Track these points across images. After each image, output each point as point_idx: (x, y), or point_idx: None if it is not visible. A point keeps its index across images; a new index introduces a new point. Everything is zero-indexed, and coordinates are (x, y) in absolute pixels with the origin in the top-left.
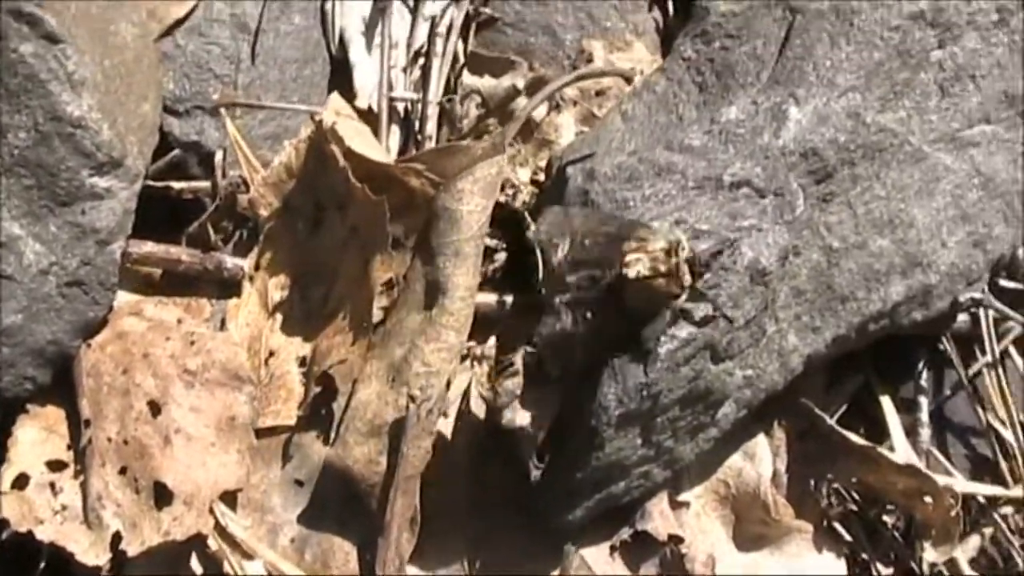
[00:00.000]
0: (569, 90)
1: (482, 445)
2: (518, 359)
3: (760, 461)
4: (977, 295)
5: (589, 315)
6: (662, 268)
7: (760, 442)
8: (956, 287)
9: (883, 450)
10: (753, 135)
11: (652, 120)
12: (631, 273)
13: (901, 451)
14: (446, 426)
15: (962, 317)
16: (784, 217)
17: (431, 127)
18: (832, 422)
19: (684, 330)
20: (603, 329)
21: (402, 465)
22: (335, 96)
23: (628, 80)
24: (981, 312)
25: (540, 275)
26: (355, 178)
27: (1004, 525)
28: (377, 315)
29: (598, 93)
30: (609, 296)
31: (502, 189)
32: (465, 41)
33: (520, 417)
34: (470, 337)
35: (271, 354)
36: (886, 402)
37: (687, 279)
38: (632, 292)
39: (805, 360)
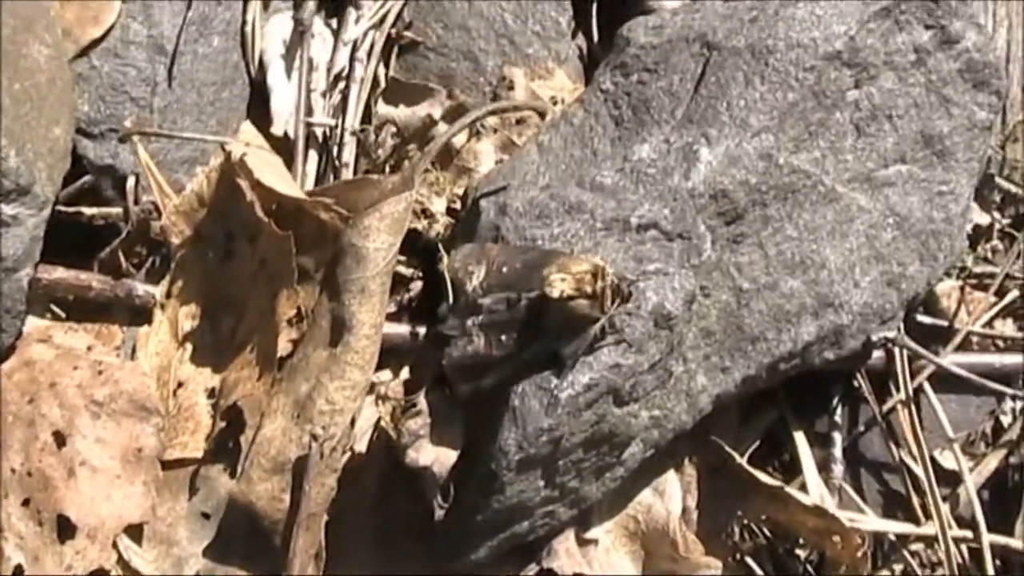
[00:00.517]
0: (489, 118)
1: (390, 480)
2: (422, 399)
3: (670, 498)
4: (890, 334)
5: (503, 337)
6: (587, 289)
7: (670, 478)
8: (869, 326)
9: (791, 490)
10: (663, 176)
11: (567, 153)
12: (554, 292)
13: (813, 488)
14: (356, 459)
15: (877, 353)
16: (691, 261)
17: (348, 154)
18: (742, 461)
19: (586, 375)
20: (517, 350)
21: (305, 503)
22: (247, 126)
23: (541, 115)
24: (896, 349)
25: (447, 304)
26: (264, 210)
27: (914, 562)
28: (286, 348)
29: (518, 121)
30: (526, 318)
31: (418, 218)
32: (386, 65)
33: (424, 457)
34: (384, 365)
35: (180, 385)
36: (799, 438)
37: (609, 304)
38: (552, 313)
39: (714, 400)
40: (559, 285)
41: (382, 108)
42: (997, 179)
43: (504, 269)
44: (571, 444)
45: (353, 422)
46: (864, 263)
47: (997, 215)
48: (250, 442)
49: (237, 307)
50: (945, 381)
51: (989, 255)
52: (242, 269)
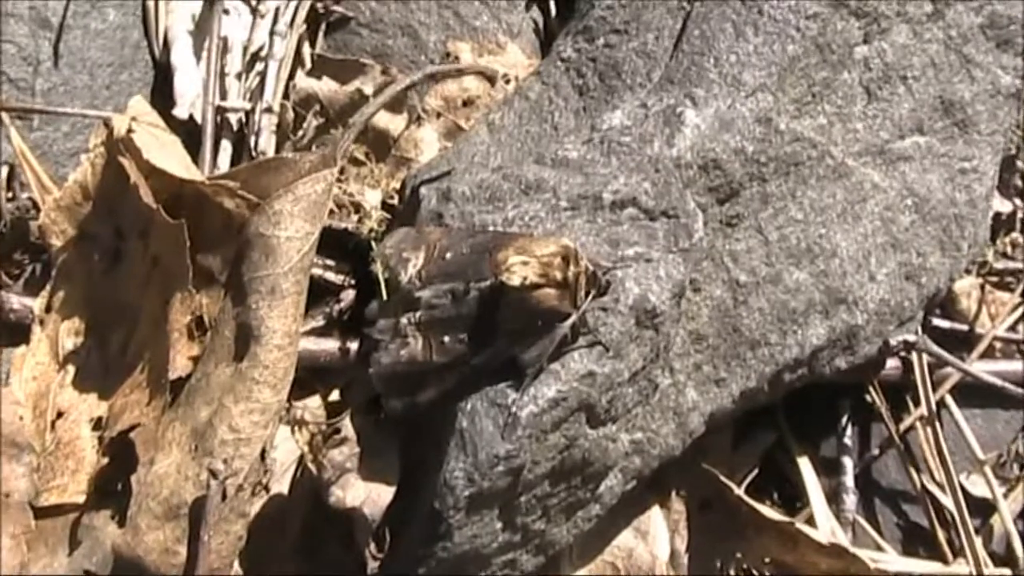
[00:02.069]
0: (432, 100)
1: (314, 526)
2: (347, 424)
3: (655, 539)
4: (910, 337)
5: (446, 339)
6: (557, 276)
7: (654, 516)
8: (886, 328)
9: (802, 525)
10: (641, 144)
11: (523, 130)
12: (514, 280)
13: (822, 523)
14: (275, 502)
15: (891, 362)
16: (679, 244)
17: (267, 141)
18: (740, 492)
19: (552, 387)
20: (465, 355)
21: (203, 556)
22: (137, 99)
23: (491, 81)
24: (914, 357)
25: (377, 301)
26: (158, 198)
27: None
28: (186, 367)
29: (465, 103)
30: (476, 314)
31: (348, 215)
32: (312, 44)
33: (352, 495)
34: (310, 391)
35: (60, 415)
36: (804, 464)
37: (582, 295)
38: (510, 307)
39: (707, 419)
40: (520, 271)
41: (303, 82)
42: (1019, 161)
43: (448, 255)
44: (535, 476)
45: (264, 454)
46: (880, 252)
47: (1019, 202)
48: (141, 482)
49: (128, 319)
50: (969, 394)
51: (1009, 250)
52: (133, 272)
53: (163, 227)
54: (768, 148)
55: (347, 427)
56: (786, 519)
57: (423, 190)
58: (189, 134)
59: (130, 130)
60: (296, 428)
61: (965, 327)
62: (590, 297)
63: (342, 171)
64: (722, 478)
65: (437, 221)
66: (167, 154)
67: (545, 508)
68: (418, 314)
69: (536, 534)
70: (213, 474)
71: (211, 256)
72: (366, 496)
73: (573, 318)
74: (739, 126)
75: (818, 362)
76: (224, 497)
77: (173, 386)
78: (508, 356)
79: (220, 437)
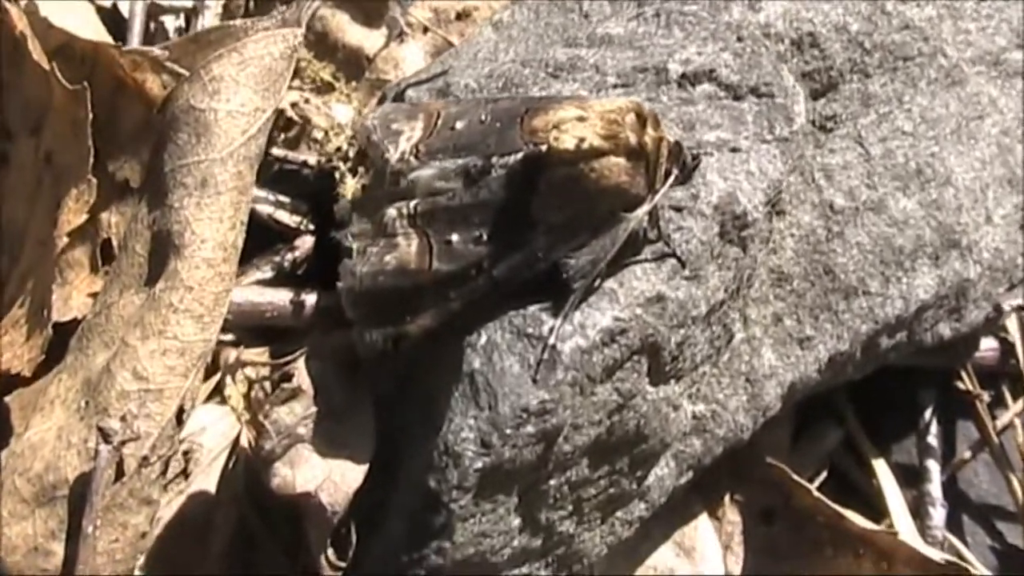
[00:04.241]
0: (419, 12)
1: (251, 530)
2: (301, 369)
3: (702, 557)
4: None
5: (454, 238)
6: (629, 139)
7: (702, 527)
8: (995, 289)
9: (905, 537)
10: (714, 12)
11: (541, 24)
12: (565, 141)
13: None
14: (201, 499)
15: (985, 344)
16: (775, 131)
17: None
18: (821, 496)
19: (607, 312)
20: (484, 262)
21: (85, 556)
22: None
23: None
24: (1018, 334)
25: (351, 194)
26: (58, 74)
27: None
28: (83, 305)
29: (460, 15)
30: (502, 200)
31: (306, 137)
32: None
33: (304, 475)
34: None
35: None
36: (881, 468)
37: (662, 175)
38: (556, 185)
39: (785, 392)
40: (575, 130)
41: None
42: None
43: (458, 124)
44: (572, 448)
45: (181, 415)
46: (997, 187)
47: None
48: (12, 455)
49: (13, 240)
50: None
51: None
52: (22, 179)
53: (59, 106)
54: (874, 32)
55: (301, 373)
56: (884, 528)
57: (411, 92)
58: (111, 29)
59: None
60: (231, 377)
61: None
62: (671, 178)
63: (295, 106)
64: (794, 476)
65: None
66: (73, 15)
67: (578, 501)
68: (413, 203)
69: (562, 540)
70: (104, 436)
71: (126, 161)
72: (325, 477)
73: (648, 206)
74: None
75: (920, 325)
76: (121, 473)
77: (69, 330)
78: (546, 263)
79: (119, 387)
